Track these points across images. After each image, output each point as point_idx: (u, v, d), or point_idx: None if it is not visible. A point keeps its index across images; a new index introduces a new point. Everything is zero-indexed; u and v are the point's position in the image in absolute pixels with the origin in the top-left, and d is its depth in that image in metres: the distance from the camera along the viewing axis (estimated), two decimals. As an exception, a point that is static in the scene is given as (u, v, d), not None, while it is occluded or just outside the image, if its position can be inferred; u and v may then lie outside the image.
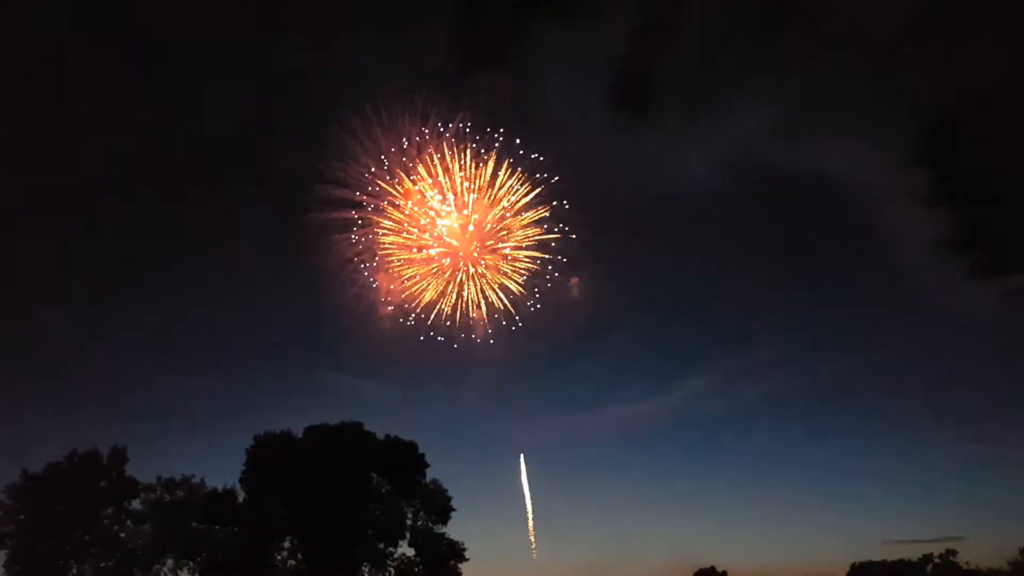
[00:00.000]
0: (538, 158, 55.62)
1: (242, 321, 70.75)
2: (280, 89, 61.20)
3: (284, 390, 73.67)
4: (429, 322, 59.57)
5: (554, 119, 59.73)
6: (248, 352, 73.75)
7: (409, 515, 57.54)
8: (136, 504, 55.33)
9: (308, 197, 56.13)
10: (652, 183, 64.97)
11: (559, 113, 59.71)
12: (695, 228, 70.87)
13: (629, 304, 69.98)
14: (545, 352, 66.25)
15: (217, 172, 63.99)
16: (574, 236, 57.75)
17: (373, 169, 56.11)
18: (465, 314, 59.33)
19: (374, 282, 59.08)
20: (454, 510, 57.80)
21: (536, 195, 56.74)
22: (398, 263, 58.11)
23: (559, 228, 57.70)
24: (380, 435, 60.14)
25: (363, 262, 58.03)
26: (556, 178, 56.58)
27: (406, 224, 57.11)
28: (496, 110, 55.09)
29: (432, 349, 60.15)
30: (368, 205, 56.71)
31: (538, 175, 56.62)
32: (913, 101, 63.14)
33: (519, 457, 70.30)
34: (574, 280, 59.29)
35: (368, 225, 56.89)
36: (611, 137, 59.28)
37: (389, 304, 59.39)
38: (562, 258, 58.49)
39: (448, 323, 59.67)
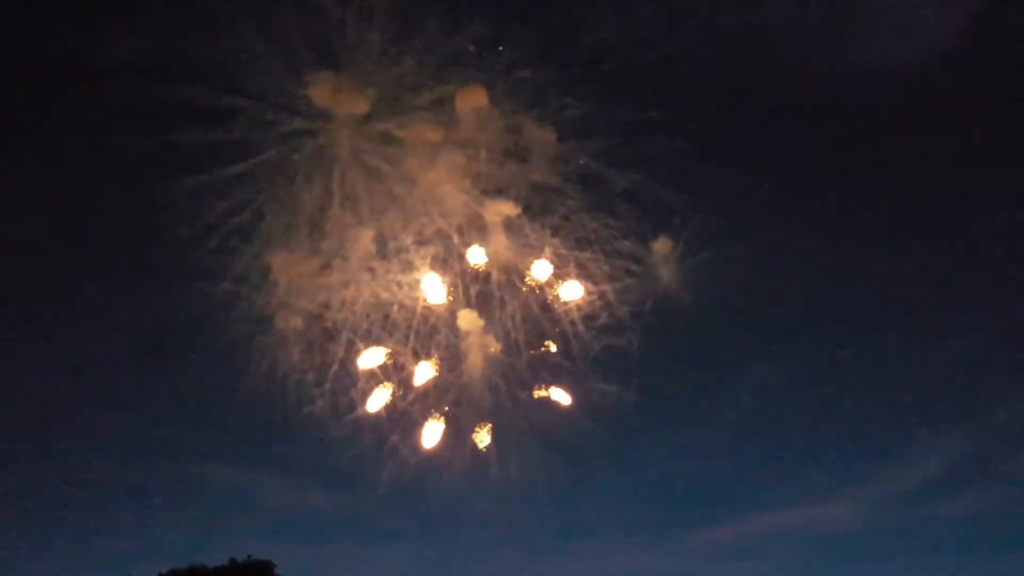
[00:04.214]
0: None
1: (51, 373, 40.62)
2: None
3: (123, 504, 43.29)
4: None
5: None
6: (53, 432, 42.93)
7: None
8: None
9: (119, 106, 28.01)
10: (832, 60, 33.51)
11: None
12: (919, 140, 36.95)
13: (790, 307, 37.38)
14: (615, 410, 35.78)
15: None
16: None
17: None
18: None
19: (266, 268, 30.27)
20: None
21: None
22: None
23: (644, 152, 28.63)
24: (304, 585, 34.69)
25: (237, 230, 29.46)
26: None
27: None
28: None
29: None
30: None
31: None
32: None
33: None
34: (661, 243, 29.79)
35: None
36: None
37: (298, 313, 30.75)
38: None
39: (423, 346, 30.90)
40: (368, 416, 34.04)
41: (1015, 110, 34.64)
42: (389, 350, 32.61)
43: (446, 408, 33.60)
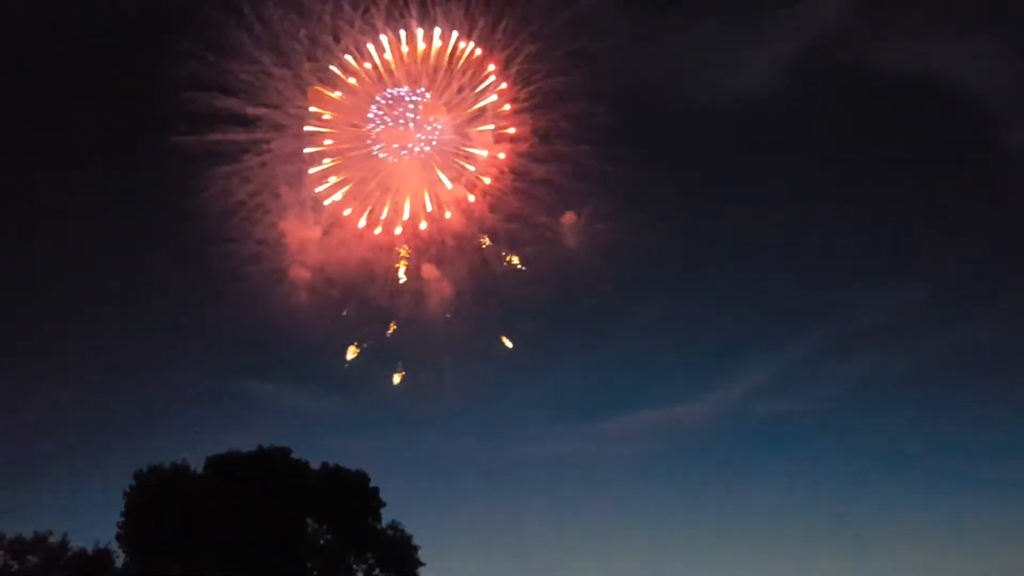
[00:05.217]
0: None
1: (106, 308, 51.52)
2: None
3: (175, 407, 55.10)
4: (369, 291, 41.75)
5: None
6: (118, 355, 54.43)
7: (360, 574, 43.87)
8: (-30, 575, 41.96)
9: (173, 114, 38.10)
10: (687, 93, 46.19)
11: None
12: (748, 154, 51.38)
13: (658, 264, 50.97)
14: (539, 338, 48.28)
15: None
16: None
17: (271, 66, 38.12)
18: (422, 279, 41.59)
19: (281, 234, 41.21)
20: (422, 564, 43.87)
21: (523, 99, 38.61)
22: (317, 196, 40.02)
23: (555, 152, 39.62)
24: (315, 464, 45.36)
25: (261, 205, 40.23)
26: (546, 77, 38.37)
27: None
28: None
29: (378, 335, 42.48)
30: (265, 120, 38.85)
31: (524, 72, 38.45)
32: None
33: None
34: (568, 218, 41.18)
35: (265, 149, 38.94)
36: (629, 31, 40.50)
37: (305, 266, 41.67)
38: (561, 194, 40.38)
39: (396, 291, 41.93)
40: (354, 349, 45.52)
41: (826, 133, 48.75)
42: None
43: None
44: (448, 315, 43.16)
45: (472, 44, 41.04)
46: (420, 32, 40.44)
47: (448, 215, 43.17)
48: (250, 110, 39.38)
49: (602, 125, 39.88)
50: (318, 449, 45.69)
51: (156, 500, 42.23)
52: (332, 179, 42.00)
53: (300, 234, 41.60)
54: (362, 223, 43.00)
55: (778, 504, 57.79)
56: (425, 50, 40.23)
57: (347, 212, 42.58)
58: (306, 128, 40.72)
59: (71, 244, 47.06)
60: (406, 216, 44.00)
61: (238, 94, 38.92)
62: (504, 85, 42.15)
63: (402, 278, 42.27)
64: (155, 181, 42.74)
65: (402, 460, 54.80)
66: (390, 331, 44.33)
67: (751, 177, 50.49)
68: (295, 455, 45.13)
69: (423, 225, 44.12)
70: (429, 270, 42.06)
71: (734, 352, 58.47)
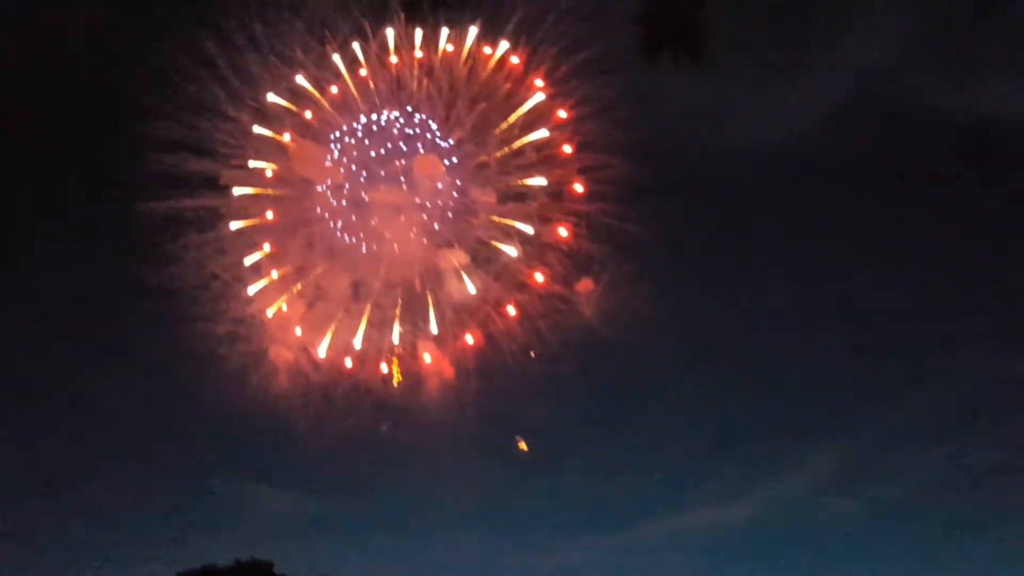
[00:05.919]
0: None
1: (57, 398, 45.73)
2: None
3: (140, 514, 48.67)
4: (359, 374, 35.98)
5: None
6: (74, 454, 47.80)
7: None
8: None
9: (140, 177, 34.05)
10: (718, 142, 40.60)
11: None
12: (790, 211, 44.85)
13: (693, 338, 43.69)
14: (556, 428, 41.87)
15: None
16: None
17: (249, 124, 34.04)
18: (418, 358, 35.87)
19: (260, 309, 36.01)
20: None
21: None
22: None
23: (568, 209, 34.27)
24: (300, 580, 39.43)
25: (239, 278, 35.32)
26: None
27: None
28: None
29: (371, 428, 36.73)
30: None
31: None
32: None
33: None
34: (584, 285, 35.02)
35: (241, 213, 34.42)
36: (650, 81, 35.68)
37: (287, 346, 36.29)
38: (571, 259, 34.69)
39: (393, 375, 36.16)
40: (346, 445, 39.61)
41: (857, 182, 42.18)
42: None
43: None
44: (450, 402, 37.01)
45: (505, 45, 32.59)
46: (419, 33, 32.81)
47: (470, 339, 35.69)
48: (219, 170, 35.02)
49: (621, 180, 34.44)
50: (304, 559, 39.98)
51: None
52: (275, 273, 35.45)
53: (281, 311, 36.51)
54: (323, 351, 35.56)
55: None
56: (424, 57, 33.61)
57: (298, 332, 34.82)
58: (235, 191, 34.61)
59: (23, 326, 42.71)
60: (396, 337, 36.17)
61: (213, 155, 34.78)
62: (563, 113, 33.67)
63: (396, 377, 35.89)
64: (118, 251, 38.64)
65: (400, 573, 47.81)
66: (384, 427, 38.19)
67: (796, 238, 43.88)
68: (278, 569, 39.96)
69: (427, 357, 35.76)
70: (426, 347, 36.25)
71: (790, 442, 50.05)
